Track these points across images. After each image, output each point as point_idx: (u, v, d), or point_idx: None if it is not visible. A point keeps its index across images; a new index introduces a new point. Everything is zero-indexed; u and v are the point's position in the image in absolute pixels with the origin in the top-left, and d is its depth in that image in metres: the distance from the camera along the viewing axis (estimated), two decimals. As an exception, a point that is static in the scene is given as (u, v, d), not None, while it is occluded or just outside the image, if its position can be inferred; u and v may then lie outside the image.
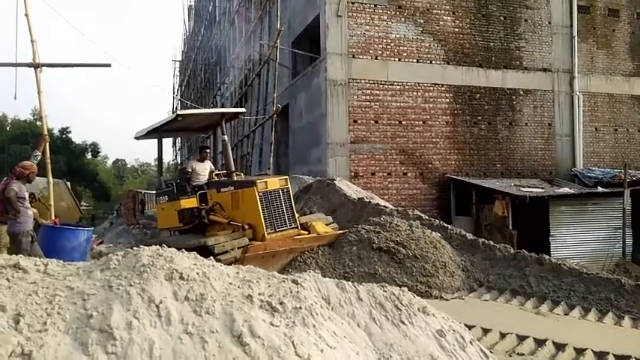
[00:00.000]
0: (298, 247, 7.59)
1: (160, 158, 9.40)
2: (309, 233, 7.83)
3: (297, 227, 7.70)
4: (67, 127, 45.16)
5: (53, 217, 8.84)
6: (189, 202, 7.88)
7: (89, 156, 49.17)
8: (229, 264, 6.63)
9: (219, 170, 8.80)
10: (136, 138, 9.25)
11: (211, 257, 6.52)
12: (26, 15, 9.10)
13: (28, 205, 6.77)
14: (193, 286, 2.88)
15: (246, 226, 7.34)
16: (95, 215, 42.48)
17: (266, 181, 7.71)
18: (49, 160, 9.33)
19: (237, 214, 7.60)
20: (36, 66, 9.30)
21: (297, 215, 7.89)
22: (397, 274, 7.18)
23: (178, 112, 8.29)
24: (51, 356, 2.32)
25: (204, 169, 8.54)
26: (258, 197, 7.37)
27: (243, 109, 10.67)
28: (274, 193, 7.59)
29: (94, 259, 4.34)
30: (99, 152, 51.87)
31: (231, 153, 8.93)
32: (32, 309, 2.55)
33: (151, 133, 8.86)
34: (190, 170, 8.45)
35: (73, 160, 41.40)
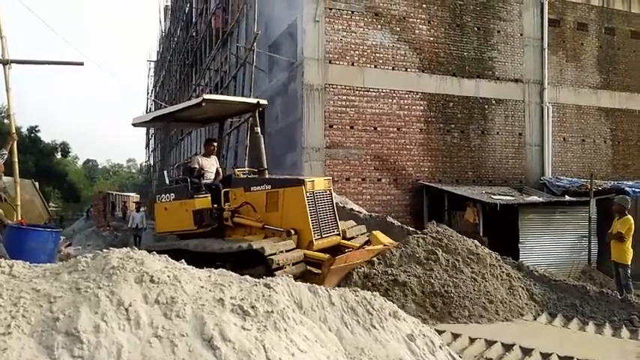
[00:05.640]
0: (369, 258, 6.74)
1: (164, 148, 8.42)
2: (369, 243, 7.13)
3: (339, 234, 7.03)
4: (36, 126, 44.22)
5: (20, 218, 8.62)
6: (207, 202, 7.05)
7: (59, 156, 47.99)
8: (310, 278, 5.75)
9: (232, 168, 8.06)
10: (134, 125, 8.46)
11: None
12: (-5, 10, 8.88)
13: (-6, 205, 6.59)
14: (164, 289, 2.84)
15: (292, 232, 6.49)
16: (64, 216, 41.47)
17: (313, 181, 6.86)
18: (16, 160, 9.09)
19: (274, 216, 6.73)
20: (5, 62, 9.06)
21: (339, 221, 7.15)
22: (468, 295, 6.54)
23: (205, 97, 7.25)
24: (14, 360, 2.26)
25: (211, 165, 7.75)
26: (306, 198, 6.60)
27: (265, 101, 9.25)
28: (320, 194, 6.85)
29: (62, 261, 4.24)
30: (69, 152, 50.74)
31: (264, 148, 7.88)
32: (-5, 311, 2.49)
33: (157, 120, 8.00)
34: (197, 166, 7.59)
35: (41, 160, 40.37)
